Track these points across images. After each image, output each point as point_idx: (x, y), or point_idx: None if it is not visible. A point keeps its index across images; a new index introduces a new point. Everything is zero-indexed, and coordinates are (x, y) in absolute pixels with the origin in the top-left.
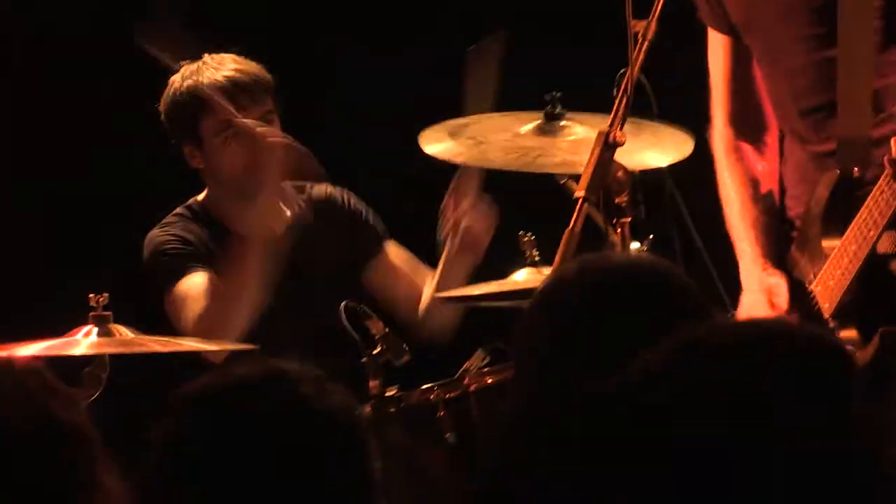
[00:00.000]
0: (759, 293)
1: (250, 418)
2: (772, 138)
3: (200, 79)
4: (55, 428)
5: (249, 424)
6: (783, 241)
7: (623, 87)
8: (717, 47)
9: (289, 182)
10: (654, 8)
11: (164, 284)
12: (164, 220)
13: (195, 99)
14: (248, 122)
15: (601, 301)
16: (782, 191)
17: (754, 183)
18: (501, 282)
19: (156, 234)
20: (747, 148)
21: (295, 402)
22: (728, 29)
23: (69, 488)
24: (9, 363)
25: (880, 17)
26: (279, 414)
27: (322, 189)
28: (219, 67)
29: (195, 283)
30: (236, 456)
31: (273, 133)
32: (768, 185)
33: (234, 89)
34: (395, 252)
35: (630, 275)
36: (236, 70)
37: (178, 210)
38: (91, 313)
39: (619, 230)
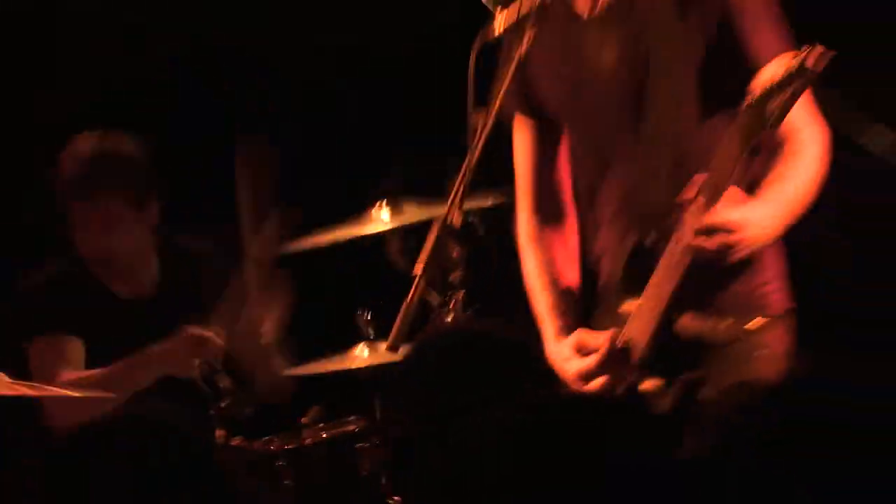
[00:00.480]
0: (564, 362)
1: None
2: (571, 220)
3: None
4: None
5: None
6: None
7: (462, 174)
8: (525, 136)
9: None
10: (493, 104)
11: (27, 335)
12: (35, 275)
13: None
14: None
15: (462, 362)
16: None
17: (552, 268)
18: (344, 358)
19: (27, 286)
20: (549, 233)
21: None
22: (536, 115)
23: None
24: None
25: (692, 104)
26: None
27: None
28: (71, 163)
29: (68, 350)
30: None
31: None
32: (570, 270)
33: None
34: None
35: (484, 338)
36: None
37: (60, 262)
38: None
39: (452, 302)
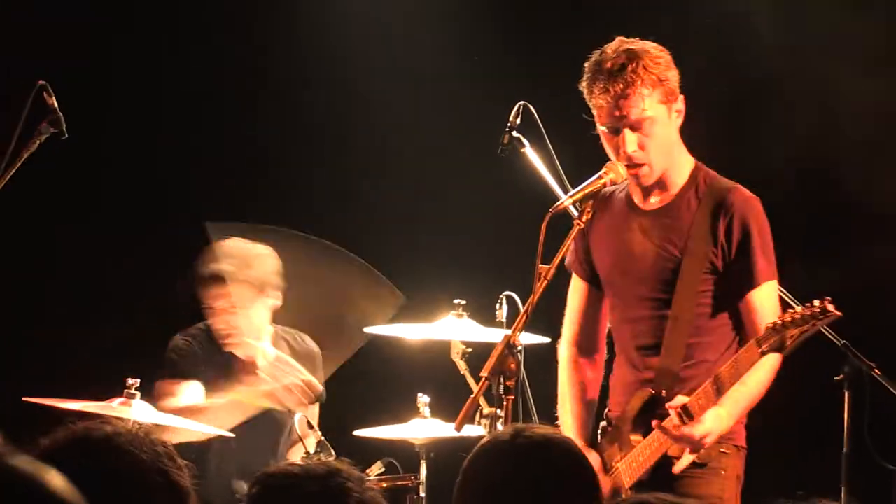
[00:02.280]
0: None
1: None
2: (600, 357)
3: (204, 259)
4: (173, 486)
5: None
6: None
7: (525, 310)
8: (578, 289)
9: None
10: (554, 261)
11: (166, 375)
12: (186, 332)
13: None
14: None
15: (528, 461)
16: (604, 395)
17: (583, 388)
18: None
19: (178, 339)
20: (584, 361)
21: None
22: (589, 279)
23: None
24: (147, 435)
25: (708, 297)
26: None
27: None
28: (211, 258)
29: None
30: None
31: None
32: (593, 389)
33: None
34: None
35: (549, 444)
36: (206, 260)
37: (196, 328)
38: (125, 390)
39: (506, 402)
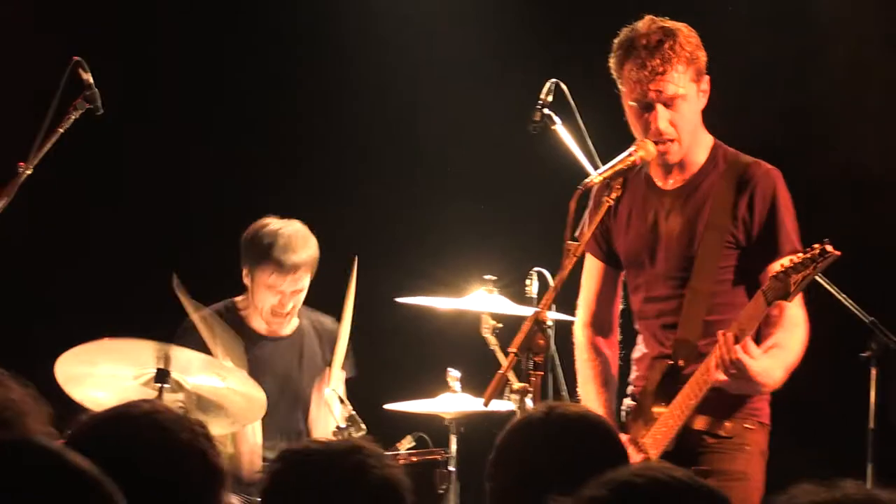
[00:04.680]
0: None
1: None
2: (615, 337)
3: (266, 241)
4: (209, 466)
5: None
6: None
7: (554, 286)
8: (593, 270)
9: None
10: (584, 236)
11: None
12: (208, 309)
13: (256, 249)
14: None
15: (562, 439)
16: (626, 372)
17: (602, 369)
18: (430, 401)
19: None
20: (600, 342)
21: None
22: (605, 259)
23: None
24: (185, 419)
25: (730, 272)
26: None
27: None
28: (276, 244)
29: None
30: None
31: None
32: (612, 369)
33: (277, 267)
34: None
35: (583, 422)
36: (286, 250)
37: (218, 306)
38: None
39: (534, 378)
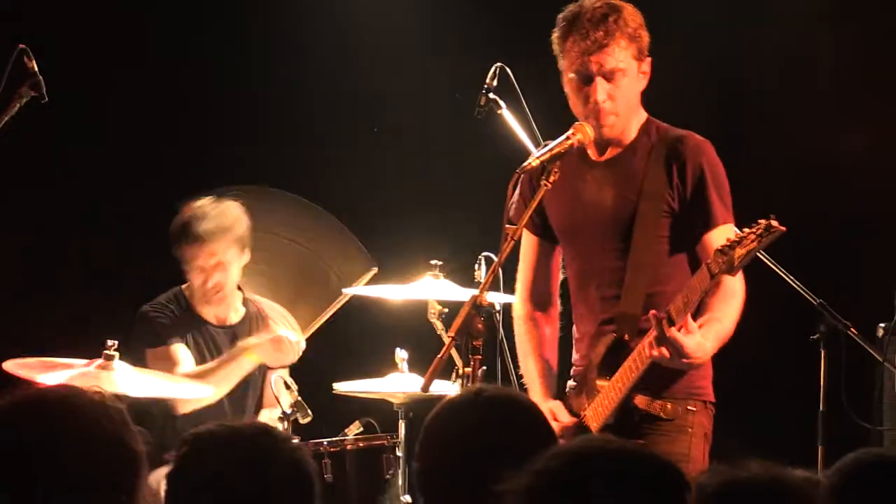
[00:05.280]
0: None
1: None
2: (555, 310)
3: (184, 217)
4: (127, 452)
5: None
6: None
7: (492, 269)
8: (529, 244)
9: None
10: (522, 218)
11: (147, 344)
12: (155, 300)
13: (175, 226)
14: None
15: (489, 420)
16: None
17: (542, 342)
18: (379, 381)
19: (147, 308)
20: (539, 316)
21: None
22: (541, 234)
23: (127, 495)
24: (104, 399)
25: (665, 242)
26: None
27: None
28: (190, 218)
29: (179, 353)
30: None
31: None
32: (552, 343)
33: (188, 240)
34: None
35: (510, 403)
36: (196, 221)
37: (167, 295)
38: (104, 352)
39: (473, 362)
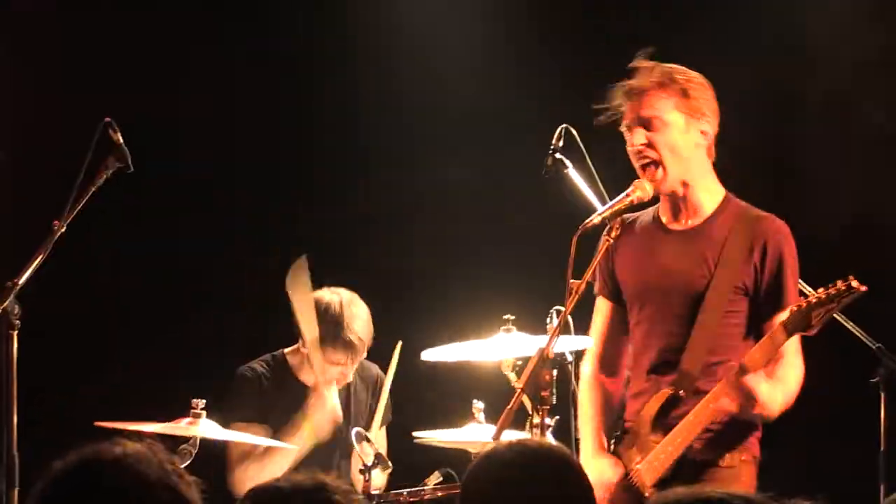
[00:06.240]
0: (594, 468)
1: None
2: (621, 377)
3: (335, 322)
4: (180, 500)
5: None
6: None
7: (558, 323)
8: (602, 309)
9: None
10: (585, 275)
11: (229, 413)
12: (254, 362)
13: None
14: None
15: (525, 474)
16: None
17: (603, 406)
18: (457, 431)
19: (244, 371)
20: (605, 380)
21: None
22: (614, 299)
23: None
24: (158, 452)
25: (738, 317)
26: None
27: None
28: (344, 326)
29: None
30: None
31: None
32: (614, 404)
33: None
34: None
35: (547, 457)
36: (356, 334)
37: (267, 357)
38: (192, 410)
39: (541, 413)
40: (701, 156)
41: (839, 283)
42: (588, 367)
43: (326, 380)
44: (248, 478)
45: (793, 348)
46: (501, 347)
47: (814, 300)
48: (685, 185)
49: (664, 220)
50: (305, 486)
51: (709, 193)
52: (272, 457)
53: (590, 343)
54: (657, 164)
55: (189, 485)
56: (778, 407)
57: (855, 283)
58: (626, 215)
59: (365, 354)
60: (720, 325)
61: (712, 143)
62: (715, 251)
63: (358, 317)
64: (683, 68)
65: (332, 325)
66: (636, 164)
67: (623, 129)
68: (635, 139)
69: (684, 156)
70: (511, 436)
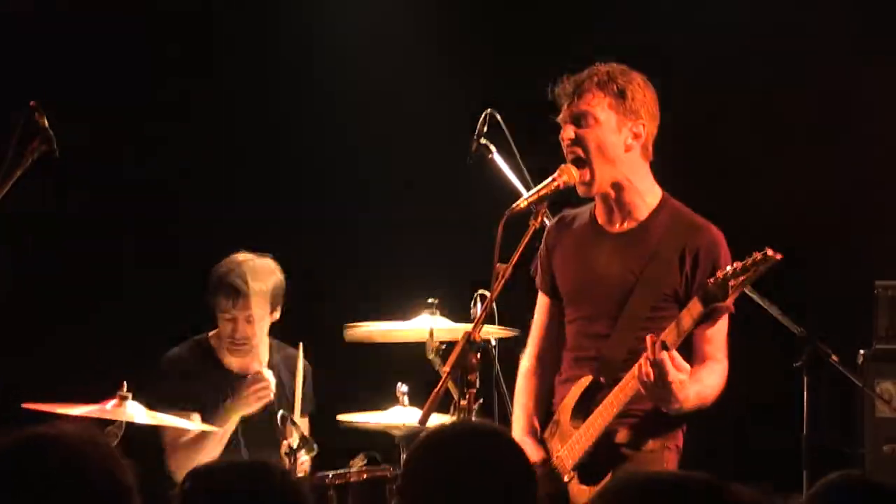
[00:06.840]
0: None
1: None
2: (555, 367)
3: (222, 269)
4: (117, 483)
5: None
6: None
7: (485, 306)
8: (542, 304)
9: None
10: (511, 259)
11: (154, 398)
12: (179, 347)
13: (213, 278)
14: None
15: (467, 453)
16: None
17: (539, 395)
18: (381, 414)
19: (169, 355)
20: (541, 373)
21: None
22: (552, 295)
23: None
24: (92, 436)
25: (659, 319)
26: None
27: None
28: (230, 271)
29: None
30: None
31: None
32: (547, 394)
33: (226, 293)
34: None
35: (489, 436)
36: (236, 277)
37: (189, 344)
38: (118, 392)
39: (468, 395)
40: (633, 157)
41: (755, 254)
42: (526, 361)
43: (224, 344)
44: (183, 461)
45: (720, 354)
46: (424, 328)
47: (729, 271)
48: (617, 186)
49: (600, 221)
50: (244, 465)
51: (643, 196)
52: (205, 440)
53: (530, 338)
54: (585, 163)
55: (124, 467)
56: (690, 398)
57: (770, 252)
58: (565, 213)
59: (268, 319)
60: (645, 319)
61: (649, 144)
62: (645, 258)
63: (253, 269)
64: (625, 67)
65: (220, 271)
66: (567, 161)
67: (560, 121)
68: (565, 133)
69: (611, 155)
70: (437, 419)
